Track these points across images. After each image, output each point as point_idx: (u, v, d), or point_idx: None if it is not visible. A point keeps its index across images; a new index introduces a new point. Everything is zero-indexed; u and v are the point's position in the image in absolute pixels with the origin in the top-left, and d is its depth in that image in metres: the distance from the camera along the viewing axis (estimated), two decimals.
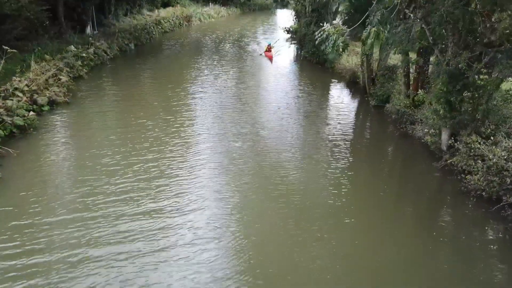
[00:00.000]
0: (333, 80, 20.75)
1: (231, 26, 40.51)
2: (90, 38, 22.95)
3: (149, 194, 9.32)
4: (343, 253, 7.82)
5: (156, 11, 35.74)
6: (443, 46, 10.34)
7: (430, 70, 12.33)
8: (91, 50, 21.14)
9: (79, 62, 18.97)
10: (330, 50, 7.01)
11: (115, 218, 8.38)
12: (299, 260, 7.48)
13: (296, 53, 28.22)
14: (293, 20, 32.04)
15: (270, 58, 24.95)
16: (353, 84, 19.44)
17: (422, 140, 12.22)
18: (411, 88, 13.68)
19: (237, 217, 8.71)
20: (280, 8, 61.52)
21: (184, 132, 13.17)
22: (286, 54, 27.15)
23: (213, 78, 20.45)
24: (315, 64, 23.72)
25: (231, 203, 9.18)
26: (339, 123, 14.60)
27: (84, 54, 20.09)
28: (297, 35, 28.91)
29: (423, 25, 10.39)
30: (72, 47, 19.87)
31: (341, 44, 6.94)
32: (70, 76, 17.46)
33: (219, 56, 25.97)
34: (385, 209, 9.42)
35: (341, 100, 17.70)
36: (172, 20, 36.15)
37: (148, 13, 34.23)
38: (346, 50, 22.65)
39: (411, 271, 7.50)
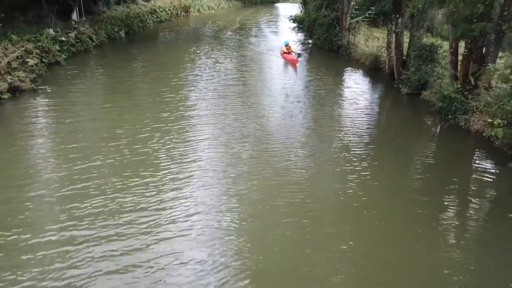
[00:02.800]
0: (350, 67, 17.99)
1: (232, 17, 37.97)
2: (73, 23, 20.27)
3: (139, 171, 8.05)
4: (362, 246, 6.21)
5: (152, 1, 33.16)
6: None
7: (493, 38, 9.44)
8: (72, 34, 18.41)
9: (57, 47, 16.25)
10: None
11: (89, 196, 7.17)
12: (301, 245, 6.19)
13: (304, 41, 25.41)
14: (299, 8, 29.54)
15: (293, 63, 17.56)
16: (375, 71, 16.79)
17: (484, 134, 9.50)
18: (459, 69, 10.93)
19: (238, 199, 7.28)
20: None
21: (173, 116, 11.16)
22: (293, 42, 24.30)
23: (212, 63, 18.09)
24: (327, 51, 21.07)
25: (231, 185, 7.77)
26: (363, 113, 11.87)
27: (63, 38, 17.41)
28: (305, 22, 26.27)
29: None
30: (51, 31, 17.24)
31: None
32: (43, 62, 14.82)
33: (218, 45, 23.21)
34: (429, 214, 7.00)
35: (363, 88, 14.86)
36: (169, 10, 33.69)
37: (143, 3, 31.65)
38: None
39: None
